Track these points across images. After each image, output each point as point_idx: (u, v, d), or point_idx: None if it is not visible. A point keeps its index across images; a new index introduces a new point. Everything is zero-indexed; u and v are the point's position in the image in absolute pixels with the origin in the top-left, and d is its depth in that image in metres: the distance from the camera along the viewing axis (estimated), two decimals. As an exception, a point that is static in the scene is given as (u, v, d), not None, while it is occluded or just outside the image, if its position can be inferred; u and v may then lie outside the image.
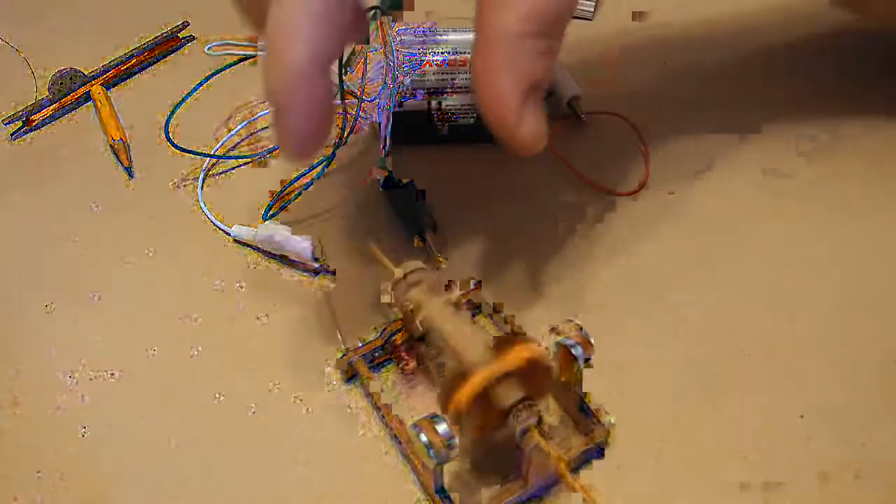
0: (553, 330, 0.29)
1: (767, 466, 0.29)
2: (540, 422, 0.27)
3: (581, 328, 0.29)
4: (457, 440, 0.26)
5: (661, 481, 0.29)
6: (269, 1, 0.27)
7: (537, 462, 0.27)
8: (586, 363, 0.29)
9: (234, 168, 0.43)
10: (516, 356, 0.27)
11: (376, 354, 0.33)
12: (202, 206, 0.41)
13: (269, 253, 0.38)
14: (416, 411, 0.31)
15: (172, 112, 0.40)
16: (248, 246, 0.39)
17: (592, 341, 0.29)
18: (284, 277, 0.37)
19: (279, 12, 0.26)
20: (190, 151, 0.41)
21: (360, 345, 0.33)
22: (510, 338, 0.27)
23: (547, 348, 0.28)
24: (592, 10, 0.52)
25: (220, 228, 0.39)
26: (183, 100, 0.40)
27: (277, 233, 0.37)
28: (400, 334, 0.32)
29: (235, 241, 0.39)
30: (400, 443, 0.30)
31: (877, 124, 0.42)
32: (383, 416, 0.31)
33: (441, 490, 0.28)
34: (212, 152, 0.43)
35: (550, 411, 0.31)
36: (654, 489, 0.29)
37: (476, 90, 0.29)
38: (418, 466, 0.29)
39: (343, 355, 0.32)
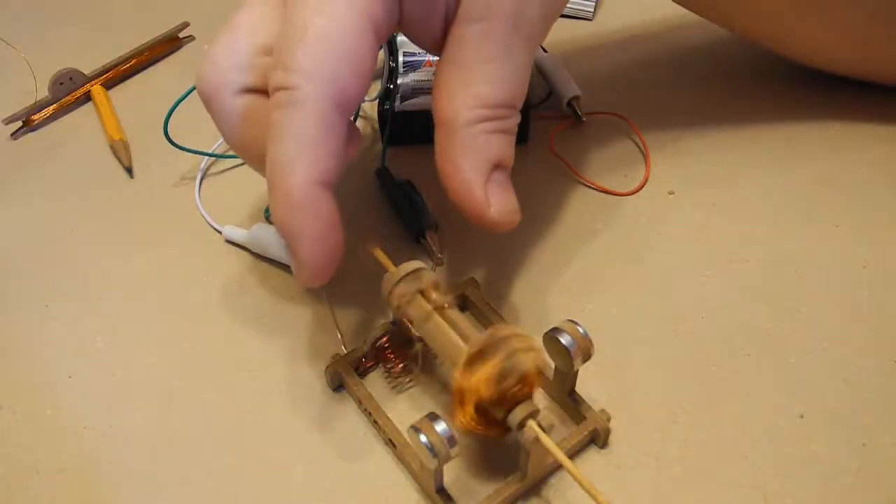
0: (553, 330, 0.29)
1: (767, 466, 0.29)
2: (537, 414, 0.27)
3: (581, 328, 0.29)
4: (457, 437, 0.26)
5: (661, 481, 0.29)
6: (266, 141, 0.28)
7: (536, 454, 0.27)
8: (585, 361, 0.29)
9: (234, 167, 0.43)
10: (514, 355, 0.27)
11: (363, 360, 0.33)
12: (199, 205, 0.41)
13: (258, 255, 0.38)
14: (407, 414, 0.31)
15: (172, 110, 0.40)
16: (239, 247, 0.39)
17: (592, 340, 0.29)
18: (284, 277, 0.37)
19: (276, 149, 0.27)
20: (190, 150, 0.41)
21: (345, 351, 0.33)
22: (507, 336, 0.27)
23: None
24: (592, 10, 0.52)
25: (214, 229, 0.39)
26: (182, 97, 0.40)
27: (268, 237, 0.37)
28: (386, 337, 0.32)
29: (227, 241, 0.39)
30: (394, 447, 0.30)
31: (879, 125, 0.42)
32: (375, 422, 0.31)
33: (441, 490, 0.28)
34: (210, 151, 0.43)
35: (546, 409, 0.31)
36: (654, 489, 0.29)
37: (441, 179, 0.30)
38: (415, 469, 0.29)
39: (327, 365, 0.32)
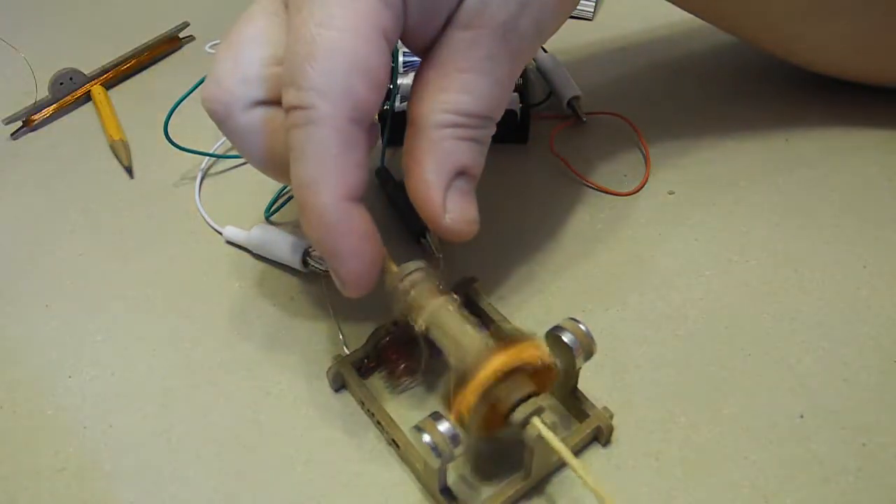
0: (556, 328, 0.29)
1: (767, 466, 0.29)
2: (542, 411, 0.27)
3: (583, 325, 0.29)
4: (461, 437, 0.26)
5: (661, 481, 0.29)
6: (289, 162, 0.27)
7: (540, 452, 0.27)
8: (588, 358, 0.29)
9: (234, 167, 0.43)
10: (520, 354, 0.27)
11: (365, 361, 0.33)
12: (199, 206, 0.41)
13: (260, 256, 0.38)
14: (410, 414, 0.31)
15: (172, 110, 0.40)
16: (240, 248, 0.39)
17: (594, 338, 0.29)
18: (284, 277, 0.37)
19: (299, 170, 0.27)
20: (189, 150, 0.41)
21: (346, 352, 0.33)
22: (513, 336, 0.27)
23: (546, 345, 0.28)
24: (592, 10, 0.52)
25: (214, 229, 0.39)
26: (183, 97, 0.40)
27: (269, 238, 0.37)
28: (388, 338, 0.32)
29: (227, 242, 0.39)
30: (397, 447, 0.30)
31: (878, 126, 0.42)
32: (378, 422, 0.31)
33: (445, 489, 0.28)
34: (211, 151, 0.43)
35: (548, 408, 0.31)
36: (654, 489, 0.29)
37: (404, 178, 0.29)
38: (418, 469, 0.29)
39: (330, 366, 0.32)
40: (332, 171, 0.26)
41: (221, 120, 0.30)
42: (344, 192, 0.27)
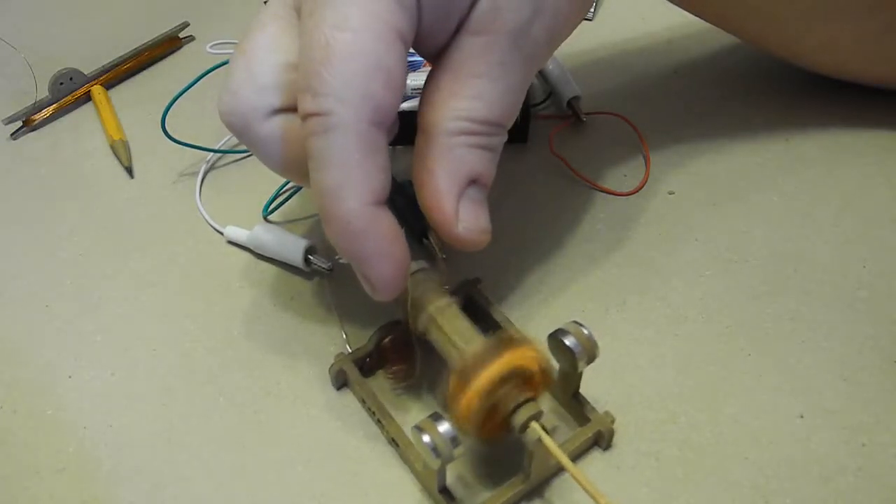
0: (558, 331, 0.29)
1: (767, 466, 0.29)
2: (541, 416, 0.27)
3: (586, 329, 0.29)
4: (460, 438, 0.26)
5: (661, 481, 0.29)
6: (309, 164, 0.27)
7: (539, 456, 0.27)
8: (590, 362, 0.29)
9: (234, 162, 0.43)
10: (518, 358, 0.27)
11: (367, 360, 0.33)
12: (199, 205, 0.41)
13: (262, 256, 0.38)
14: (411, 413, 0.31)
15: (170, 105, 0.40)
16: (240, 247, 0.39)
17: (597, 342, 0.29)
18: (285, 276, 0.37)
19: (321, 177, 0.26)
20: (186, 144, 0.41)
21: (349, 351, 0.33)
22: (511, 339, 0.27)
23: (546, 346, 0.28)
24: (592, 10, 0.52)
25: (215, 229, 0.39)
26: (181, 92, 0.40)
27: (270, 237, 0.37)
28: (389, 337, 0.32)
29: (229, 242, 0.39)
30: (398, 446, 0.30)
31: (879, 126, 0.42)
32: (378, 421, 0.31)
33: (444, 490, 0.28)
34: (212, 148, 0.43)
35: (550, 411, 0.31)
36: (654, 489, 0.29)
37: (415, 187, 0.29)
38: (418, 468, 0.29)
39: (332, 364, 0.32)
40: (355, 178, 0.26)
41: (240, 132, 0.30)
42: (369, 198, 0.26)
